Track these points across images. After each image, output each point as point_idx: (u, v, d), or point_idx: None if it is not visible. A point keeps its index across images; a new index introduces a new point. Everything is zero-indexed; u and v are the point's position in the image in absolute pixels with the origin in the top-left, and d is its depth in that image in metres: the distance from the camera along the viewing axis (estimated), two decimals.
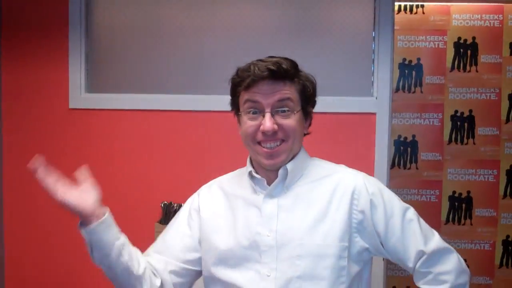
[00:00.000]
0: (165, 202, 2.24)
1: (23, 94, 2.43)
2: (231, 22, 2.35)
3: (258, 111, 1.28)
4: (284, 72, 1.27)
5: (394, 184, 3.26)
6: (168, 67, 2.38)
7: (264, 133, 1.26)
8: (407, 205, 1.34)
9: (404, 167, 3.43)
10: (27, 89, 2.43)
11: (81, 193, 1.24)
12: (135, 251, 1.33)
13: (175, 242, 1.39)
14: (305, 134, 1.37)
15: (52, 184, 1.21)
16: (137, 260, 1.31)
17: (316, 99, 1.38)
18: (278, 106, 1.27)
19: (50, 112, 2.42)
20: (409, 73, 3.41)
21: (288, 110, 1.28)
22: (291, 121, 1.28)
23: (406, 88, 3.41)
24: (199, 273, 1.40)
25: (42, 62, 2.42)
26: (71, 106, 2.39)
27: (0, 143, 2.42)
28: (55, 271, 2.44)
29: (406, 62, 3.40)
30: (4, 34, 2.42)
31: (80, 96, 2.38)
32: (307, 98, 1.34)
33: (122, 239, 1.29)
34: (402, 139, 3.43)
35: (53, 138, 2.41)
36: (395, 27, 2.46)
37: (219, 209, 1.38)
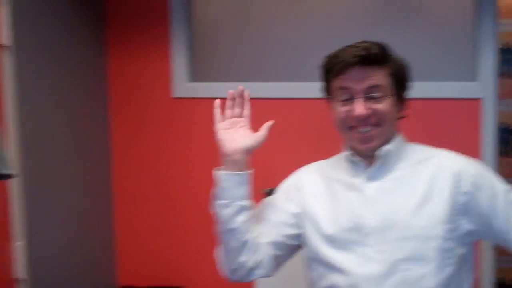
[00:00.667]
0: (267, 189, 2.29)
1: (128, 84, 2.54)
2: (328, 8, 2.36)
3: (350, 97, 1.28)
4: (374, 57, 1.27)
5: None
6: (269, 55, 2.43)
7: (356, 118, 1.27)
8: (509, 187, 1.30)
9: (507, 155, 3.28)
10: (132, 79, 2.53)
11: (240, 136, 1.34)
12: (251, 219, 1.37)
13: (274, 216, 1.41)
14: (399, 118, 1.36)
15: (221, 117, 1.37)
16: (250, 228, 1.35)
17: (410, 82, 1.37)
18: (369, 91, 1.26)
19: (154, 101, 2.51)
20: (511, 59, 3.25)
21: (380, 95, 1.27)
22: (383, 106, 1.27)
23: (508, 74, 3.25)
24: (296, 248, 1.43)
25: (145, 52, 2.50)
26: (174, 95, 2.48)
27: (108, 130, 2.57)
28: (166, 246, 2.56)
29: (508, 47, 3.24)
30: (110, 26, 2.53)
31: (183, 85, 2.48)
32: (399, 82, 1.32)
33: (247, 202, 1.34)
34: (506, 126, 3.28)
35: (157, 126, 2.52)
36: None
37: (319, 191, 1.39)
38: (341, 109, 1.29)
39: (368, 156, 1.32)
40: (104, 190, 2.52)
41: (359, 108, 1.25)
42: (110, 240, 2.55)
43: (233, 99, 1.37)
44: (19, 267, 1.81)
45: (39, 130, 1.97)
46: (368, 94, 1.26)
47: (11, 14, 1.80)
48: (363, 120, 1.27)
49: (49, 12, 2.08)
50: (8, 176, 1.35)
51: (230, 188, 1.32)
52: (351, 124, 1.28)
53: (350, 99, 1.28)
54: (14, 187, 1.79)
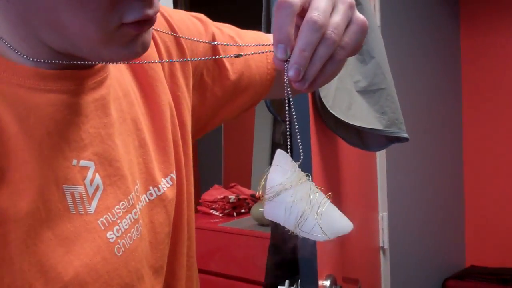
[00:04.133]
0: None
1: (481, 59, 2.47)
2: None
3: None
4: None
5: None
6: None
7: None
8: None
9: None
10: (486, 54, 2.46)
11: None
12: None
13: None
14: None
15: None
16: None
17: None
18: None
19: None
20: None
21: None
22: None
23: None
24: None
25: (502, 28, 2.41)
26: None
27: (460, 105, 2.55)
28: None
29: None
30: (463, 5, 2.49)
31: None
32: None
33: None
34: None
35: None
36: None
37: None
38: None
39: None
40: (456, 170, 2.54)
41: None
42: (460, 219, 2.56)
43: None
44: (383, 236, 1.94)
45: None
46: None
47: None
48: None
49: None
50: (402, 140, 1.35)
51: None
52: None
53: None
54: (379, 161, 1.92)
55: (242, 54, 0.63)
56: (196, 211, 2.84)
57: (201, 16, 0.77)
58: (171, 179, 0.65)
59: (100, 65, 0.57)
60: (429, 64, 2.31)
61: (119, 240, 0.55)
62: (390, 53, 1.94)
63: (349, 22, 0.52)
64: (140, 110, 0.65)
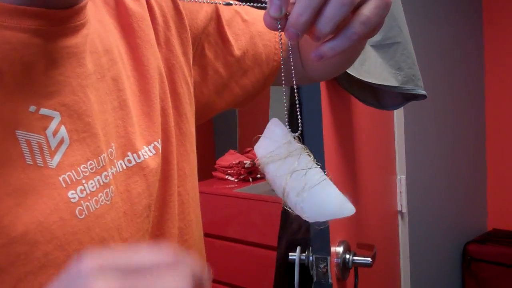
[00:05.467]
0: None
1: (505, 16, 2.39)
2: None
3: None
4: None
5: None
6: None
7: None
8: None
9: None
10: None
11: None
12: None
13: None
14: None
15: None
16: None
17: None
18: None
19: None
20: None
21: None
22: None
23: None
24: None
25: None
26: None
27: (483, 81, 2.46)
28: None
29: None
30: None
31: None
32: None
33: None
34: None
35: None
36: None
37: None
38: None
39: None
40: (478, 131, 2.51)
41: None
42: (482, 182, 2.53)
43: None
44: (401, 200, 1.88)
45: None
46: None
47: None
48: None
49: None
50: (419, 97, 1.27)
51: None
52: None
53: None
54: (397, 121, 1.84)
55: (231, 3, 0.57)
56: (211, 176, 2.80)
57: None
58: (155, 147, 0.59)
59: (75, 10, 0.51)
60: (451, 21, 2.22)
61: (82, 202, 0.50)
62: (411, 8, 1.86)
63: None
64: (125, 72, 0.59)
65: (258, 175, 3.01)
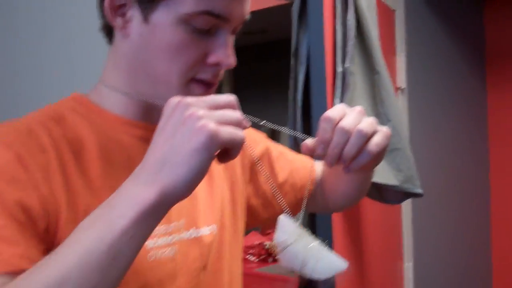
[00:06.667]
0: None
1: (509, 114, 2.55)
2: None
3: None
4: None
5: None
6: None
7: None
8: None
9: None
10: None
11: None
12: None
13: None
14: None
15: None
16: None
17: None
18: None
19: None
20: None
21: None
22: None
23: None
24: None
25: None
26: None
27: (487, 147, 2.62)
28: None
29: None
30: (489, 65, 2.58)
31: None
32: None
33: None
34: None
35: None
36: None
37: None
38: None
39: None
40: (483, 220, 2.59)
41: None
42: (488, 272, 2.60)
43: None
44: (409, 285, 2.03)
45: (425, 159, 2.17)
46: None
47: (406, 61, 2.06)
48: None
49: (437, 56, 2.28)
50: (417, 195, 1.51)
51: None
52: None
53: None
54: (405, 211, 2.02)
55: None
56: None
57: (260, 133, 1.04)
58: (211, 230, 0.84)
59: None
60: (455, 119, 2.42)
61: (152, 251, 0.73)
62: (417, 112, 2.08)
63: (375, 131, 0.72)
64: None
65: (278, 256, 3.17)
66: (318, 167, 1.07)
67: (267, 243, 3.00)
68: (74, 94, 0.78)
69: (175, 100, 0.60)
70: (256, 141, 1.00)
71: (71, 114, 0.75)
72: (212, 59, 0.72)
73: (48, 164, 0.67)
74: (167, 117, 0.59)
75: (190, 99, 0.59)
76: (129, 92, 0.75)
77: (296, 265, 0.72)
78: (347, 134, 0.70)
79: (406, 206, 2.02)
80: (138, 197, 0.56)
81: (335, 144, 0.70)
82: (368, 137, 0.71)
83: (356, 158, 0.71)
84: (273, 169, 1.01)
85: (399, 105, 1.49)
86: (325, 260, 0.72)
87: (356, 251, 1.57)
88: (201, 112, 0.57)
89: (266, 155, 1.00)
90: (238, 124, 0.59)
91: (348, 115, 0.72)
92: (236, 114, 0.60)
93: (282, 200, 0.98)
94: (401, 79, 2.04)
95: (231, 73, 2.92)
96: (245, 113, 0.76)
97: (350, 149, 0.70)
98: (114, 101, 0.76)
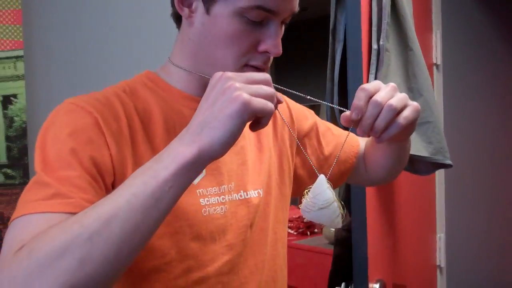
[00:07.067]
0: None
1: None
2: None
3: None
4: None
5: None
6: None
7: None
8: None
9: None
10: None
11: None
12: None
13: None
14: None
15: None
16: None
17: None
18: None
19: None
20: None
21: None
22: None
23: None
24: None
25: None
26: None
27: None
28: None
29: None
30: None
31: None
32: None
33: None
34: None
35: None
36: None
37: None
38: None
39: None
40: None
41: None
42: None
43: None
44: (440, 255, 2.10)
45: (459, 133, 2.22)
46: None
47: (442, 37, 2.11)
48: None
49: (473, 33, 2.31)
50: (446, 166, 1.59)
51: None
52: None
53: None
54: (438, 183, 2.09)
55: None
56: None
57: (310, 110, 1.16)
58: (258, 193, 0.96)
59: None
60: (490, 94, 2.45)
61: (206, 207, 0.87)
62: (452, 90, 2.13)
63: (405, 105, 0.82)
64: (250, 146, 0.98)
65: (316, 230, 3.29)
66: (362, 142, 1.18)
67: None
68: (147, 71, 0.92)
69: (218, 74, 0.70)
70: (306, 116, 1.12)
71: (142, 89, 0.89)
72: (262, 47, 0.83)
73: (120, 131, 0.81)
74: (211, 87, 0.70)
75: (231, 74, 0.70)
76: (192, 72, 0.88)
77: (328, 220, 0.83)
78: (379, 106, 0.79)
79: (440, 178, 2.09)
80: (180, 154, 0.66)
81: (368, 115, 0.80)
82: (398, 111, 0.80)
83: (386, 129, 0.81)
84: (320, 143, 1.12)
85: (430, 81, 1.56)
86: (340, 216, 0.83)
87: (388, 221, 1.66)
88: (238, 84, 0.68)
89: (314, 130, 1.12)
90: (270, 98, 0.69)
91: (382, 90, 0.81)
92: (269, 89, 0.70)
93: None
94: (437, 56, 2.10)
95: None
96: (285, 87, 0.87)
97: (381, 121, 0.80)
98: (178, 78, 0.90)
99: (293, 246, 2.88)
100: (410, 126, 0.84)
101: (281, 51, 0.84)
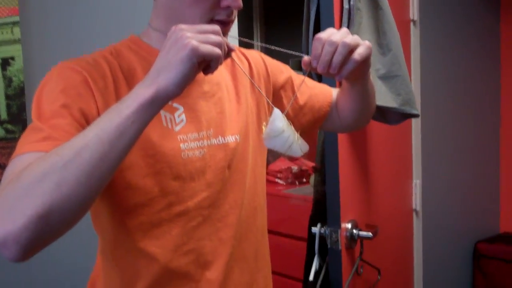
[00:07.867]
0: None
1: None
2: None
3: None
4: None
5: None
6: None
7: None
8: None
9: None
10: None
11: None
12: None
13: None
14: None
15: None
16: None
17: None
18: None
19: None
20: None
21: None
22: None
23: None
24: None
25: None
26: None
27: (499, 89, 2.74)
28: None
29: None
30: None
31: None
32: None
33: None
34: None
35: None
36: None
37: None
38: None
39: None
40: (492, 136, 2.74)
41: None
42: (495, 186, 2.77)
43: None
44: (416, 200, 2.24)
45: (436, 86, 2.34)
46: None
47: None
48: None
49: None
50: (414, 115, 1.71)
51: None
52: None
53: None
54: (414, 132, 2.21)
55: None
56: None
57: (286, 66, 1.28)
58: (235, 138, 1.10)
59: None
60: (468, 49, 2.53)
61: (186, 151, 1.01)
62: (429, 45, 2.22)
63: (358, 44, 0.95)
64: (228, 96, 1.12)
65: (304, 180, 3.44)
66: (334, 93, 1.31)
67: (295, 168, 3.26)
68: (131, 35, 1.06)
69: (174, 27, 0.83)
70: (281, 71, 1.26)
71: (127, 50, 1.02)
72: (224, 3, 0.97)
73: (106, 87, 0.95)
74: (167, 39, 0.83)
75: (183, 26, 0.83)
76: (167, 32, 0.99)
77: (282, 148, 0.98)
78: (334, 44, 0.92)
79: (416, 127, 2.20)
80: (140, 95, 0.79)
81: (325, 52, 0.92)
82: (351, 48, 0.93)
83: (344, 65, 0.94)
84: (295, 94, 1.26)
85: (399, 37, 1.66)
86: (299, 143, 0.99)
87: (362, 166, 1.80)
88: (189, 34, 0.81)
89: (289, 82, 1.26)
90: (217, 45, 0.82)
91: (336, 33, 0.94)
92: (217, 37, 0.83)
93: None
94: (414, 12, 2.18)
95: (262, 10, 3.12)
96: (274, 43, 1.00)
97: (337, 57, 0.92)
98: (157, 40, 1.02)
99: (282, 195, 3.02)
100: (365, 62, 0.97)
101: (241, 4, 0.98)
